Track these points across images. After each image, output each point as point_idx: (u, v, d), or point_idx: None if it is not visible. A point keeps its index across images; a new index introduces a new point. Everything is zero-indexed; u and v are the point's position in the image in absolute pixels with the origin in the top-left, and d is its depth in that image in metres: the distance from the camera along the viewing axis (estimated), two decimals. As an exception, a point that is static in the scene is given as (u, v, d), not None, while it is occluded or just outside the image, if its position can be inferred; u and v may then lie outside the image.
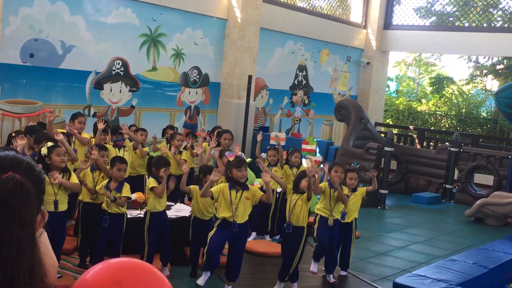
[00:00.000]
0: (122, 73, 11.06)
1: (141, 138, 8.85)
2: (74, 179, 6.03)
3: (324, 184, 6.69)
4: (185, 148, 9.14)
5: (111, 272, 1.46)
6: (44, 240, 1.47)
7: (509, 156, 12.27)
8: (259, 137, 8.85)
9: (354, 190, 7.06)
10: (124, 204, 6.23)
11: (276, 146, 8.65)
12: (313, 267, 6.68)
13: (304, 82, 15.65)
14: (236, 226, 5.92)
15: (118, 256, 5.79)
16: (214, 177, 5.84)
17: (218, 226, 6.01)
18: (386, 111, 20.15)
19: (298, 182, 6.34)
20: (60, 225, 5.94)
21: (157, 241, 6.39)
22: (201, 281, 6.07)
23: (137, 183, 8.37)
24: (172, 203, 7.79)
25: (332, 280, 6.84)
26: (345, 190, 6.82)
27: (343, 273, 7.19)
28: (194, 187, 6.47)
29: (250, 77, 12.74)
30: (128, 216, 6.73)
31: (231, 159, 6.28)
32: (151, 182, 6.37)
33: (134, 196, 6.92)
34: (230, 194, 5.94)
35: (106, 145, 7.58)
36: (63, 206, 5.97)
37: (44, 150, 5.86)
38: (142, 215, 6.86)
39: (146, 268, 1.53)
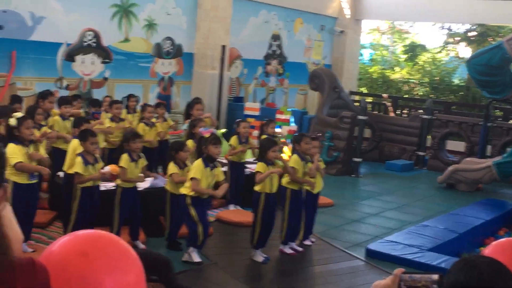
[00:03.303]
0: (94, 44, 10.92)
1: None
2: (42, 151, 5.92)
3: (295, 159, 6.59)
4: (157, 118, 9.11)
5: (77, 244, 1.44)
6: (7, 213, 1.46)
7: (480, 123, 12.45)
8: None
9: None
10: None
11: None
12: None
13: (278, 51, 15.61)
14: (210, 200, 6.27)
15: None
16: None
17: (196, 204, 5.94)
18: (360, 79, 20.21)
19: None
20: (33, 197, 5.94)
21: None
22: (195, 258, 6.03)
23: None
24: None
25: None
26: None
27: (313, 239, 7.27)
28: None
29: (223, 47, 12.67)
30: (103, 188, 6.72)
31: (206, 135, 6.32)
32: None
33: (107, 168, 6.87)
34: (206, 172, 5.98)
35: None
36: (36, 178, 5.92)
37: (13, 121, 5.62)
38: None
39: (113, 239, 1.51)
